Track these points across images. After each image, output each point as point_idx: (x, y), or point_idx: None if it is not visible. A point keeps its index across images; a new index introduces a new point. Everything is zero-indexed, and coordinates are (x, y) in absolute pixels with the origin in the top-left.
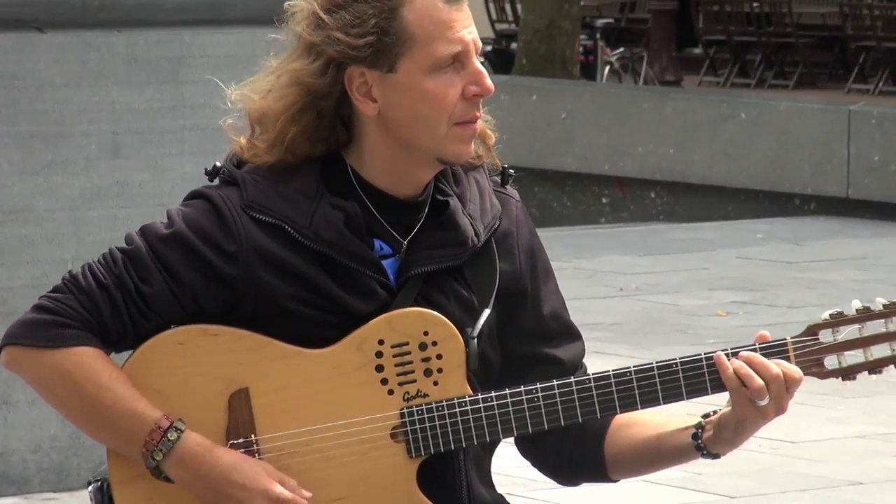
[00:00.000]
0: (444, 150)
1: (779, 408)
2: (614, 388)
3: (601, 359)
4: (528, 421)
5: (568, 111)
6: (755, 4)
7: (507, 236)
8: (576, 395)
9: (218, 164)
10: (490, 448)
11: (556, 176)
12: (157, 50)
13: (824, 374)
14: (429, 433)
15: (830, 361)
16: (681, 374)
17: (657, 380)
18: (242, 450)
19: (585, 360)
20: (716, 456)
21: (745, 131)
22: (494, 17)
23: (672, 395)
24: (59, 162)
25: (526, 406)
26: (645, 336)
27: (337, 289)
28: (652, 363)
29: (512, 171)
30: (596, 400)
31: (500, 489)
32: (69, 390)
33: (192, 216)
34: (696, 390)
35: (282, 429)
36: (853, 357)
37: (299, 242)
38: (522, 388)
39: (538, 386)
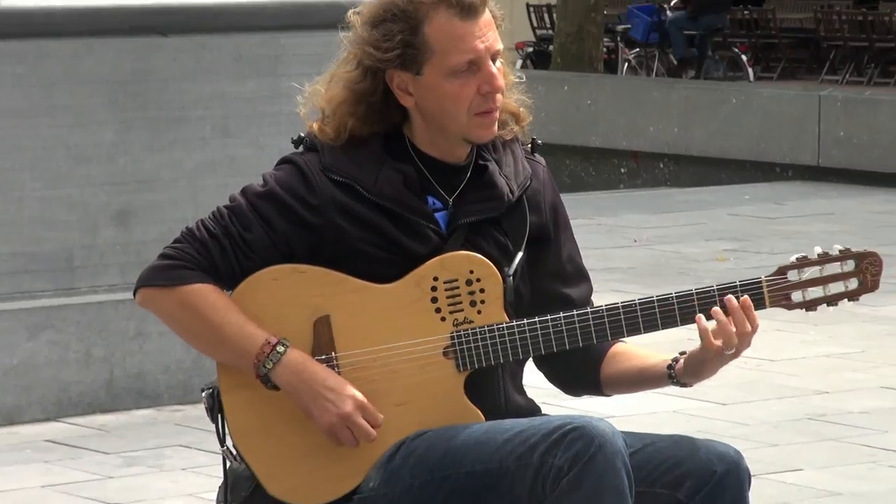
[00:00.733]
0: (469, 134)
1: (738, 355)
2: (622, 316)
3: (619, 296)
4: (553, 342)
5: (593, 99)
6: (745, 12)
7: (535, 194)
8: (591, 322)
9: (302, 134)
10: (522, 364)
11: (583, 151)
12: (258, 49)
13: (791, 306)
14: (473, 352)
15: (796, 296)
16: (676, 306)
17: (656, 309)
18: (325, 364)
19: (607, 297)
20: (685, 385)
21: (736, 113)
22: (535, 24)
23: (667, 322)
24: (180, 140)
25: (552, 330)
26: (654, 277)
27: (399, 235)
28: (653, 297)
29: (540, 141)
30: (608, 325)
31: (536, 400)
32: (191, 318)
33: (282, 177)
34: (687, 319)
35: (355, 348)
36: (814, 292)
37: (366, 198)
38: (549, 317)
39: (561, 315)
